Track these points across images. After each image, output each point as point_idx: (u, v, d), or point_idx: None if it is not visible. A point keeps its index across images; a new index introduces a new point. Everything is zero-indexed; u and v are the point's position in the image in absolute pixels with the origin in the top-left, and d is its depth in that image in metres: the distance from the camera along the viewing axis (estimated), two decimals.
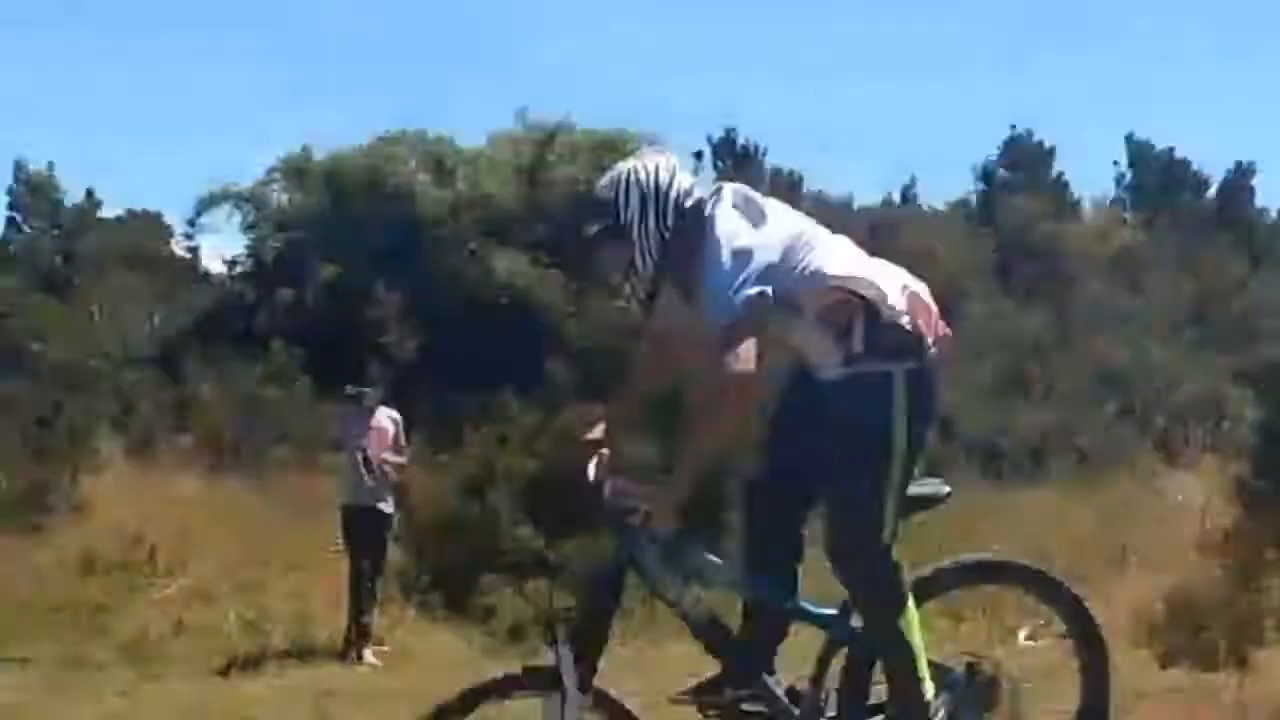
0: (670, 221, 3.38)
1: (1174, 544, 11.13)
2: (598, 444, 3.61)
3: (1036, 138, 31.66)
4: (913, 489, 3.44)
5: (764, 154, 27.91)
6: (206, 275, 24.07)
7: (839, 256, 3.41)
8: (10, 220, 26.51)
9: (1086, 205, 32.37)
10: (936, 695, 3.48)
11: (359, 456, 9.86)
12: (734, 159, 27.11)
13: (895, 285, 3.39)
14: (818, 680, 3.50)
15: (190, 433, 16.21)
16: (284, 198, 21.35)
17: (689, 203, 3.42)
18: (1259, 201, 32.85)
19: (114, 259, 23.95)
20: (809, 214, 3.60)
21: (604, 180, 3.47)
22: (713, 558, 3.54)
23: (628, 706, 3.46)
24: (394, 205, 19.37)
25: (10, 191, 26.29)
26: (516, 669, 3.52)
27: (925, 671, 3.45)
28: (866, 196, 30.96)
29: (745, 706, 3.47)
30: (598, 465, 3.57)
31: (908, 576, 3.47)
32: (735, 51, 51.23)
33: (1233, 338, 23.92)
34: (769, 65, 50.36)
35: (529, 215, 19.25)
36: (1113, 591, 9.23)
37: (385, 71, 43.91)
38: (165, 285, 23.43)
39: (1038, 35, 50.49)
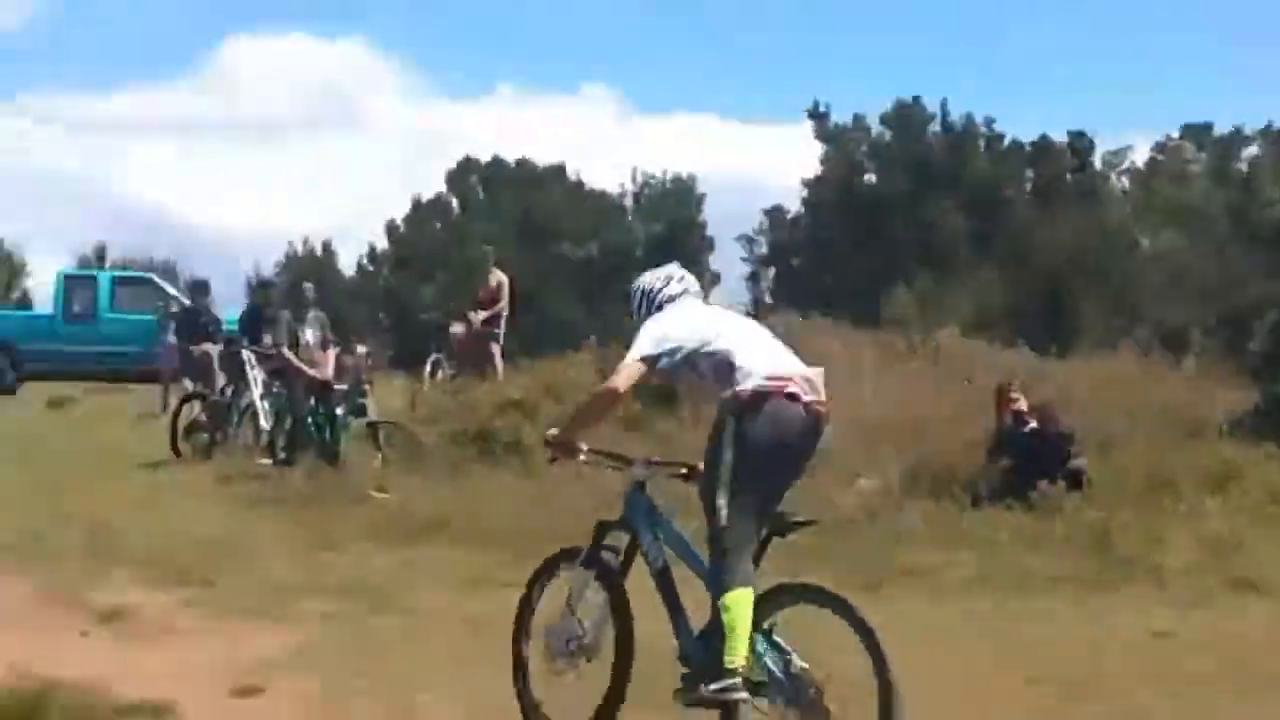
0: (645, 312, 5.54)
1: None
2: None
3: None
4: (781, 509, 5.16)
5: None
6: None
7: (736, 340, 5.36)
8: None
9: None
10: (756, 666, 4.91)
11: None
12: None
13: (767, 360, 5.26)
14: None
15: None
16: None
17: (660, 300, 5.56)
18: None
19: None
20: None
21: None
22: (679, 529, 5.39)
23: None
24: None
25: None
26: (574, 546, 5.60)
27: (739, 642, 4.82)
28: None
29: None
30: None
31: (746, 568, 4.95)
32: None
33: None
34: None
35: None
36: None
37: None
38: None
39: None
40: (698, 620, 5.15)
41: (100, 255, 46.97)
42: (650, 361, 5.30)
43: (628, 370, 5.30)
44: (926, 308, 40.64)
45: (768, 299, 54.07)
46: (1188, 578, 8.82)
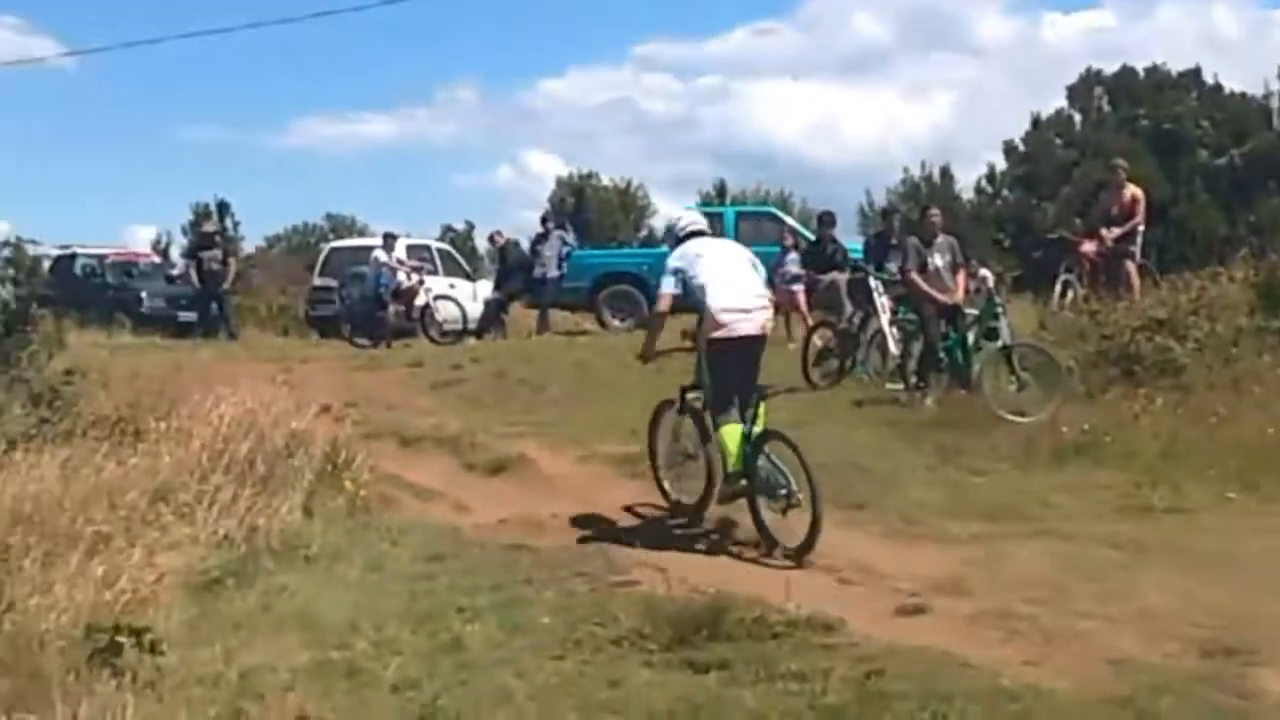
0: (671, 246, 9.00)
1: None
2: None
3: None
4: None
5: None
6: None
7: (709, 274, 8.46)
8: None
9: None
10: (743, 473, 8.25)
11: None
12: None
13: (726, 291, 8.38)
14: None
15: None
16: None
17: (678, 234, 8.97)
18: None
19: None
20: None
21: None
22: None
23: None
24: None
25: None
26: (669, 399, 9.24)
27: (730, 456, 8.27)
28: None
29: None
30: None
31: (729, 414, 8.40)
32: None
33: None
34: None
35: None
36: None
37: None
38: None
39: None
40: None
41: (720, 191, 49.29)
42: (668, 288, 8.62)
43: (661, 297, 8.73)
44: None
45: None
46: None
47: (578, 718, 5.20)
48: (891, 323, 14.01)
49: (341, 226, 50.22)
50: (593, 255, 25.77)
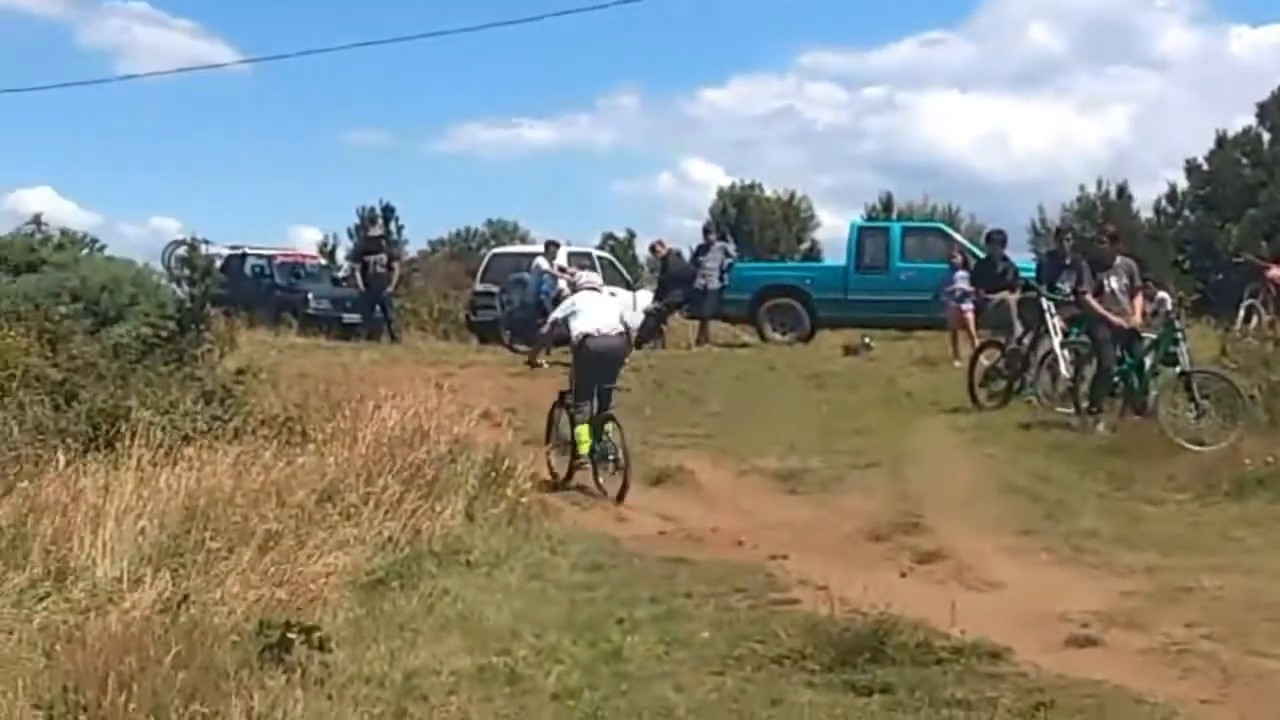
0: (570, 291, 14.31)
1: None
2: None
3: None
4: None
5: None
6: None
7: (583, 313, 11.89)
8: None
9: None
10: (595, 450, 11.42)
11: None
12: None
13: (590, 319, 11.77)
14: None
15: None
16: None
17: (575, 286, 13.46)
18: None
19: None
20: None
21: None
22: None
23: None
24: None
25: None
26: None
27: (581, 444, 11.38)
28: None
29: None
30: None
31: (583, 414, 11.50)
32: None
33: None
34: None
35: None
36: None
37: None
38: None
39: None
40: None
41: (886, 205, 48.90)
42: (552, 322, 12.42)
43: (550, 324, 12.52)
44: None
45: None
46: None
47: None
48: (1064, 344, 13.77)
49: (503, 232, 50.94)
50: (755, 268, 25.81)
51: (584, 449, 11.40)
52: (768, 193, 55.01)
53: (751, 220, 52.75)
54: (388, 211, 45.45)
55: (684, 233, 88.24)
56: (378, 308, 22.92)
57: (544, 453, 11.82)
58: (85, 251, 23.66)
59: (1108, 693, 5.59)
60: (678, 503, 10.70)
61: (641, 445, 12.44)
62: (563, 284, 21.57)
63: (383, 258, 23.18)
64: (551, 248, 22.39)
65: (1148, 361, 12.51)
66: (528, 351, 20.14)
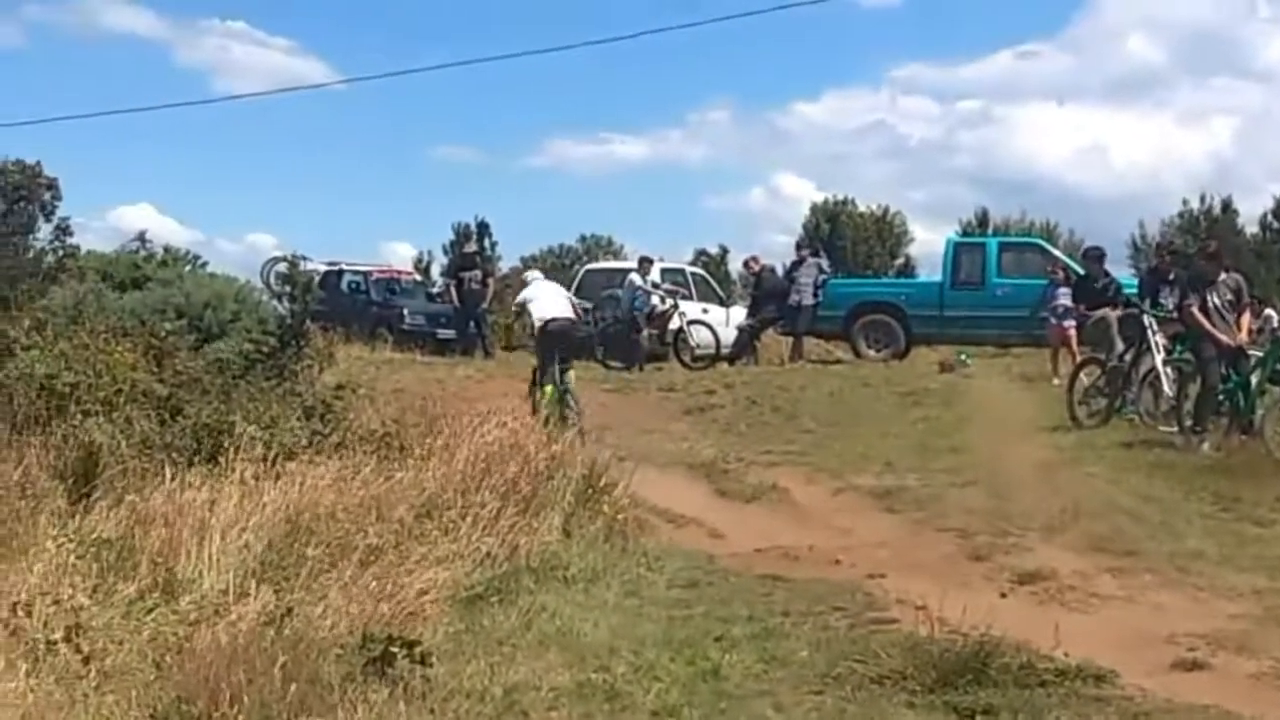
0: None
1: None
2: None
3: None
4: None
5: None
6: None
7: (537, 298, 15.35)
8: None
9: None
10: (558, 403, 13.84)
11: None
12: None
13: (546, 307, 15.10)
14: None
15: None
16: None
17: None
18: None
19: None
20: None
21: None
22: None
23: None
24: None
25: None
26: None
27: (546, 397, 13.85)
28: None
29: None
30: None
31: (550, 379, 14.49)
32: None
33: None
34: None
35: None
36: None
37: None
38: None
39: None
40: None
41: (982, 220, 48.49)
42: (518, 305, 16.02)
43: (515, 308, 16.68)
44: None
45: None
46: None
47: None
48: (1166, 362, 13.58)
49: (596, 247, 51.22)
50: (850, 284, 25.72)
51: (549, 403, 13.71)
52: (861, 208, 54.84)
53: (845, 236, 52.59)
54: (482, 227, 45.93)
55: (775, 248, 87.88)
56: (472, 323, 23.14)
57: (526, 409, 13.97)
58: (188, 268, 24.16)
59: (1217, 718, 5.51)
60: (773, 520, 10.66)
61: (736, 462, 12.46)
62: (655, 300, 21.75)
63: (477, 274, 23.43)
64: (645, 264, 22.48)
65: (1254, 380, 12.32)
66: (620, 366, 20.43)
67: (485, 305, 23.44)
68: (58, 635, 5.46)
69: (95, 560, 6.68)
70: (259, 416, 9.95)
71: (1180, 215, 46.33)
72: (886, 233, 54.68)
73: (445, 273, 28.75)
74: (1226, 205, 46.37)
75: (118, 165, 65.88)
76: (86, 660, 5.36)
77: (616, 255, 42.65)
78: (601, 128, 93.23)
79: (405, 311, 25.48)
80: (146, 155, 69.95)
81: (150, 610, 6.30)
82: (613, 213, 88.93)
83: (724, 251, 52.16)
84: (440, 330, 24.45)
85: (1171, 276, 14.96)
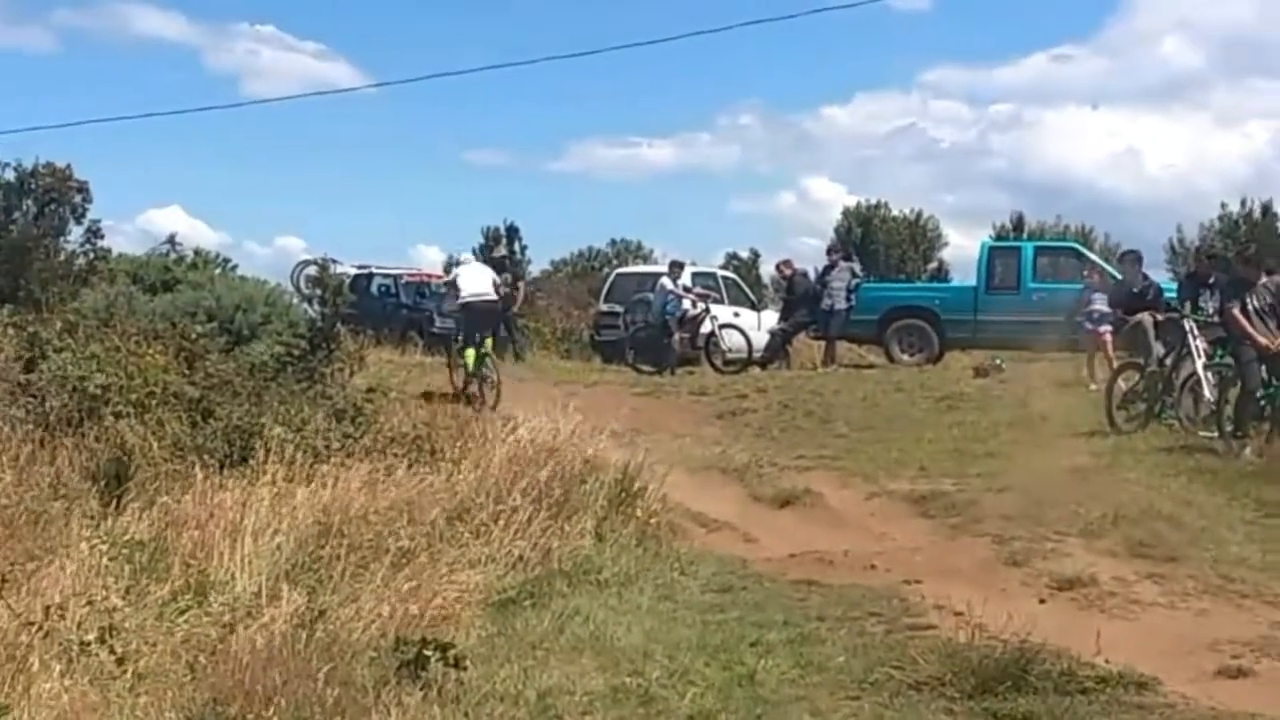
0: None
1: None
2: None
3: None
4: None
5: None
6: None
7: (464, 277, 17.56)
8: None
9: None
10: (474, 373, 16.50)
11: None
12: None
13: (470, 285, 17.17)
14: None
15: None
16: None
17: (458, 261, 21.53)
18: None
19: None
20: None
21: None
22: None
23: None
24: None
25: None
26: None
27: (469, 362, 16.47)
28: None
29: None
30: None
31: (471, 344, 16.64)
32: None
33: None
34: None
35: None
36: None
37: None
38: None
39: None
40: None
41: (1017, 224, 48.30)
42: (446, 284, 19.75)
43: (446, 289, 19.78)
44: None
45: None
46: None
47: None
48: (1207, 366, 13.47)
49: (626, 251, 51.23)
50: (883, 288, 25.63)
51: (471, 366, 16.27)
52: (894, 212, 54.70)
53: (877, 240, 52.48)
54: (512, 231, 45.95)
55: (806, 252, 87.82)
56: (502, 327, 23.15)
57: (449, 378, 17.11)
58: (218, 271, 24.26)
59: None
60: (807, 525, 10.63)
61: (769, 467, 12.41)
62: (686, 304, 21.73)
63: (507, 277, 23.42)
64: (676, 268, 22.44)
65: None
66: (651, 370, 20.42)
67: (515, 309, 23.43)
68: (91, 636, 5.47)
69: (128, 562, 6.72)
70: (290, 419, 9.99)
71: (1219, 219, 46.06)
72: (920, 237, 54.52)
73: None
74: (1266, 209, 46.09)
75: (148, 169, 66.18)
76: (120, 661, 5.38)
77: (646, 259, 42.71)
78: (631, 131, 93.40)
79: (435, 315, 25.51)
80: (176, 159, 70.48)
81: (183, 612, 6.32)
82: (642, 216, 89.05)
83: (755, 255, 52.13)
84: None
85: (1211, 280, 14.83)
